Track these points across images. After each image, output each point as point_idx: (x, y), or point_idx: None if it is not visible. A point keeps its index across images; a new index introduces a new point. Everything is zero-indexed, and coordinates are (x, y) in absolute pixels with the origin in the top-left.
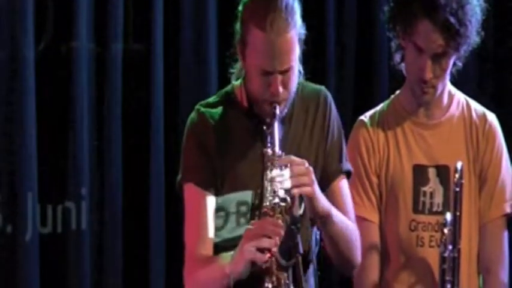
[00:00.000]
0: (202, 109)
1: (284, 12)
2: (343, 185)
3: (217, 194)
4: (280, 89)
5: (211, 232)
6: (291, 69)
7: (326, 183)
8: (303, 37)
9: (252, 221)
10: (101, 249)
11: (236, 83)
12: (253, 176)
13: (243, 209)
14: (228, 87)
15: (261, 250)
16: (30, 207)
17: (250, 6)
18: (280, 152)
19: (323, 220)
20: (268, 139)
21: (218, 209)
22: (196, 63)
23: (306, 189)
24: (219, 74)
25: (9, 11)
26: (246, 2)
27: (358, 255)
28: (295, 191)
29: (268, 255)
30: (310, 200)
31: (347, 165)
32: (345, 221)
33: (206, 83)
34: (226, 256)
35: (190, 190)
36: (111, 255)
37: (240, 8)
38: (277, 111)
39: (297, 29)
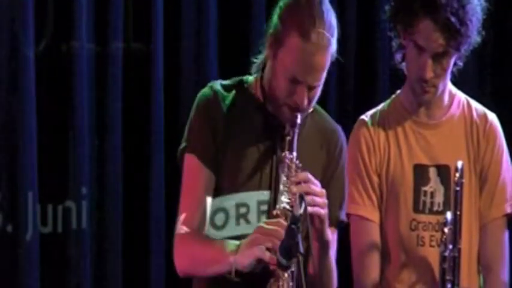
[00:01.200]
0: (217, 87)
1: (328, 29)
2: (333, 238)
3: (216, 178)
4: (305, 102)
5: (207, 207)
6: (318, 86)
7: None
8: (333, 59)
9: (266, 220)
10: (101, 249)
11: (251, 77)
12: (255, 176)
13: (243, 210)
14: (244, 77)
15: (270, 250)
16: (30, 206)
17: (295, 10)
18: (298, 162)
19: (323, 246)
20: (287, 145)
21: (218, 210)
22: (197, 62)
23: (320, 211)
24: (219, 73)
25: (9, 10)
26: (289, 2)
27: None
28: (309, 209)
29: (274, 258)
30: (320, 222)
31: (343, 215)
32: (334, 264)
33: (206, 82)
34: (229, 243)
35: (191, 161)
36: (112, 255)
37: (281, 4)
38: (299, 121)
39: (333, 49)
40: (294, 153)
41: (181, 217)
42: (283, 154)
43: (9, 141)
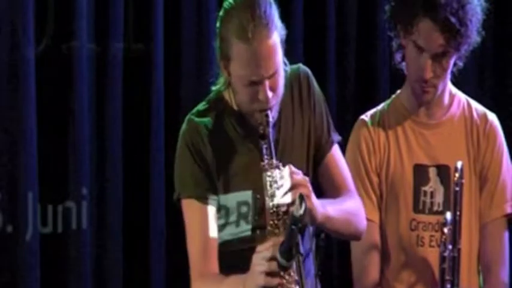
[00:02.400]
0: (194, 118)
1: (264, 18)
2: (336, 153)
3: (217, 194)
4: (270, 94)
5: (215, 245)
6: (277, 72)
7: (320, 157)
8: (284, 38)
9: (259, 246)
10: (101, 249)
11: (222, 88)
12: (251, 178)
13: (244, 209)
14: (215, 93)
15: (271, 274)
16: (30, 207)
17: (229, 21)
18: (277, 162)
19: (323, 225)
20: (264, 151)
21: (219, 209)
22: (197, 63)
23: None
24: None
25: (9, 10)
26: (223, 17)
27: (362, 225)
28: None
29: (278, 279)
30: (309, 210)
31: (336, 136)
32: (343, 208)
33: (206, 83)
34: (236, 278)
35: (190, 206)
36: (112, 256)
37: (218, 24)
38: (270, 119)
39: (278, 31)
40: (274, 157)
41: (194, 264)
42: (263, 164)
43: (9, 141)
